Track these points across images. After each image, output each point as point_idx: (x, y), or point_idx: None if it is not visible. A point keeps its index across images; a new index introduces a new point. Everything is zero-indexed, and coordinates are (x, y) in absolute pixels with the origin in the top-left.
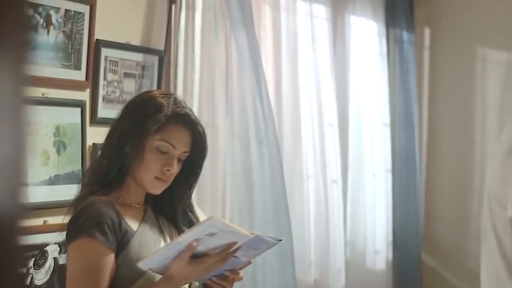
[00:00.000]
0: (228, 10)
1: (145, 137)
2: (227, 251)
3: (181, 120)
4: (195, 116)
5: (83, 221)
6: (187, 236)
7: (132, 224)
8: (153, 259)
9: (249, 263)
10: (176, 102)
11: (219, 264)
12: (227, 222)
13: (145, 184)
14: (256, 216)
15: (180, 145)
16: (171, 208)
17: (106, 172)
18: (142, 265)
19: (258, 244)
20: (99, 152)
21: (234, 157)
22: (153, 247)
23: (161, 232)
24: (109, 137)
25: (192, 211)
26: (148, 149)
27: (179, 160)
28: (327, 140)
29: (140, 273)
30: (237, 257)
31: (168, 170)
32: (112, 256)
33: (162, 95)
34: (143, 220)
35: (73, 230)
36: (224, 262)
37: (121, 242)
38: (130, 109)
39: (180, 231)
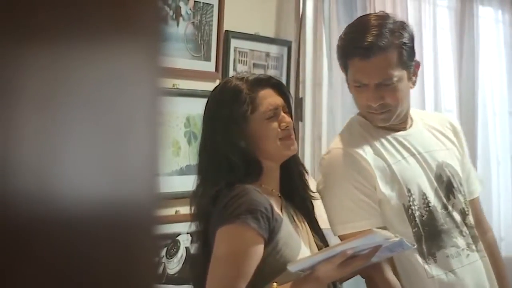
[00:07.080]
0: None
1: (249, 122)
2: (373, 252)
3: (258, 85)
4: (261, 74)
5: (236, 207)
6: (344, 247)
7: (278, 212)
8: (305, 263)
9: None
10: (242, 75)
11: (362, 264)
12: (385, 232)
13: (275, 152)
14: None
15: (274, 102)
16: (287, 175)
17: (235, 167)
18: (292, 268)
19: (396, 247)
20: (206, 152)
21: None
22: (296, 237)
23: (293, 218)
24: (209, 140)
25: (302, 167)
26: (258, 127)
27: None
28: None
29: (285, 266)
30: None
31: (286, 126)
32: (262, 246)
33: (230, 80)
34: (283, 207)
35: (224, 216)
36: (366, 262)
37: (272, 231)
38: (216, 106)
39: (301, 211)
